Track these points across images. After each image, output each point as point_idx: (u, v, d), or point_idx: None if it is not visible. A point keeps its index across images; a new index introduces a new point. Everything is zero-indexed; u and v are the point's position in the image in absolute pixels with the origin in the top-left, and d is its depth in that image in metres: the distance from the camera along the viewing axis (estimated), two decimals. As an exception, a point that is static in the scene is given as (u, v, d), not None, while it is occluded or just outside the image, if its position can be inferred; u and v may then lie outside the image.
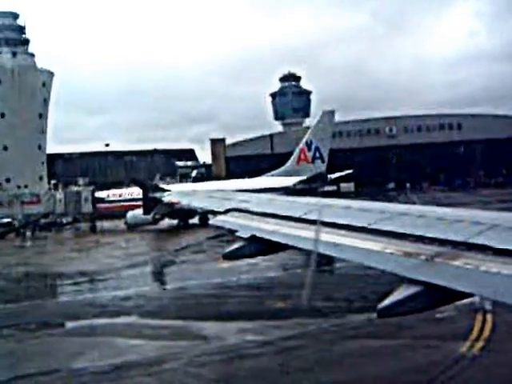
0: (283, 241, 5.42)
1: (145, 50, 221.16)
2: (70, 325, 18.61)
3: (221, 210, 7.56)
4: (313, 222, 5.36)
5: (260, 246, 5.75)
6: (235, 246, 5.92)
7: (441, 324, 14.58)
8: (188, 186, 52.86)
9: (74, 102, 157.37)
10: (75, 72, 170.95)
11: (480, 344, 13.13)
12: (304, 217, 5.70)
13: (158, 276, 28.72)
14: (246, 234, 5.93)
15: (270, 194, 10.24)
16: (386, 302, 3.46)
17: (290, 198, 7.77)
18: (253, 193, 13.60)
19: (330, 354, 13.33)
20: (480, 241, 3.58)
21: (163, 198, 20.48)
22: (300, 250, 5.11)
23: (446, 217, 4.45)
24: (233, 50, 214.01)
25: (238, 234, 6.11)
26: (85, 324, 18.32)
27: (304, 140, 54.00)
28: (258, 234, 5.80)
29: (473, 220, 4.11)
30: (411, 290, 3.41)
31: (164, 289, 24.46)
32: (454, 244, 3.71)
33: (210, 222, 7.48)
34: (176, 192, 19.96)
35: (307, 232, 5.22)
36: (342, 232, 4.90)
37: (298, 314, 17.06)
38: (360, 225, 4.83)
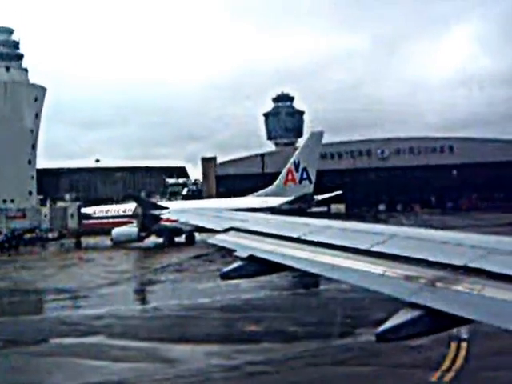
0: (281, 261, 5.29)
1: (141, 67, 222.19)
2: (37, 343, 18.07)
3: (219, 229, 7.43)
4: (312, 243, 5.30)
5: (258, 266, 5.58)
6: (233, 265, 5.71)
7: (414, 352, 14.10)
8: (186, 204, 52.61)
9: (68, 117, 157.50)
10: (70, 87, 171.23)
11: (451, 374, 12.78)
12: (303, 237, 5.60)
13: (135, 295, 28.25)
14: (244, 254, 5.76)
15: (267, 214, 10.10)
16: (386, 325, 3.33)
17: (289, 218, 7.66)
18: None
19: (294, 381, 12.92)
20: (482, 265, 3.50)
21: (162, 216, 20.32)
22: (298, 270, 4.97)
23: (446, 240, 4.35)
24: (230, 69, 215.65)
25: (236, 253, 5.93)
26: (53, 343, 17.94)
27: (291, 160, 53.98)
28: (256, 254, 5.65)
29: (474, 244, 4.02)
30: (411, 314, 3.32)
31: (138, 308, 23.94)
32: (455, 268, 3.62)
33: (209, 240, 7.32)
34: (175, 210, 19.72)
35: (305, 253, 5.15)
36: (341, 254, 4.79)
37: (268, 338, 16.72)
38: (359, 247, 4.71)
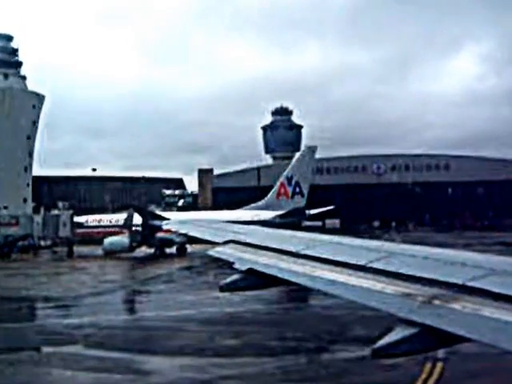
0: (280, 275, 5.37)
1: (142, 77, 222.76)
2: (13, 352, 17.90)
3: (219, 241, 7.53)
4: (311, 258, 5.37)
5: (257, 279, 5.68)
6: (232, 278, 5.82)
7: (386, 371, 14.06)
8: (182, 215, 52.50)
9: (67, 125, 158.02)
10: (70, 96, 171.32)
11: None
12: (302, 252, 5.70)
13: (121, 305, 28.19)
14: (243, 267, 5.86)
15: (266, 228, 10.24)
16: (382, 342, 3.38)
17: (288, 232, 7.76)
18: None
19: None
20: (479, 285, 3.56)
21: (162, 227, 20.36)
22: (296, 285, 5.04)
23: (444, 258, 4.43)
24: (233, 82, 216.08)
25: (235, 266, 6.03)
26: (29, 352, 17.84)
27: (284, 174, 54.13)
28: (255, 267, 5.74)
29: (471, 263, 4.09)
30: (408, 331, 3.36)
31: (121, 319, 23.87)
32: (453, 286, 3.68)
33: (209, 252, 7.40)
34: (175, 221, 19.81)
35: (304, 267, 5.22)
36: (340, 269, 4.86)
37: (245, 352, 16.71)
38: (357, 263, 4.81)
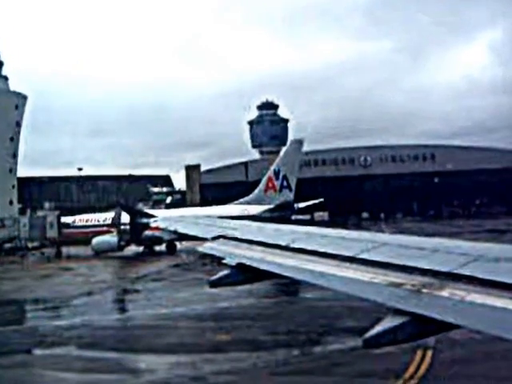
0: (270, 269, 5.36)
1: (133, 77, 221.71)
2: (3, 355, 17.79)
3: (208, 237, 7.49)
4: (300, 251, 5.39)
5: (247, 273, 5.68)
6: (222, 273, 5.79)
7: (377, 360, 14.06)
8: (170, 212, 52.23)
9: (53, 125, 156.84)
10: (57, 96, 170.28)
11: (413, 382, 12.84)
12: (292, 245, 5.72)
13: (111, 305, 28.02)
14: (233, 262, 5.85)
15: (255, 222, 10.19)
16: (372, 332, 3.38)
17: (277, 226, 7.70)
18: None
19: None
20: (466, 272, 3.59)
21: (150, 224, 20.18)
22: (286, 278, 5.07)
23: (432, 247, 4.45)
24: (229, 78, 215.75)
25: (224, 261, 6.01)
26: (20, 354, 17.64)
27: (272, 169, 54.08)
28: (244, 262, 5.73)
29: (458, 251, 4.12)
30: (397, 320, 3.37)
31: (112, 318, 23.74)
32: (441, 275, 3.71)
33: (199, 248, 7.40)
34: (163, 218, 19.72)
35: (293, 260, 5.23)
36: (328, 261, 4.88)
37: (237, 347, 16.70)
38: (346, 254, 4.82)
